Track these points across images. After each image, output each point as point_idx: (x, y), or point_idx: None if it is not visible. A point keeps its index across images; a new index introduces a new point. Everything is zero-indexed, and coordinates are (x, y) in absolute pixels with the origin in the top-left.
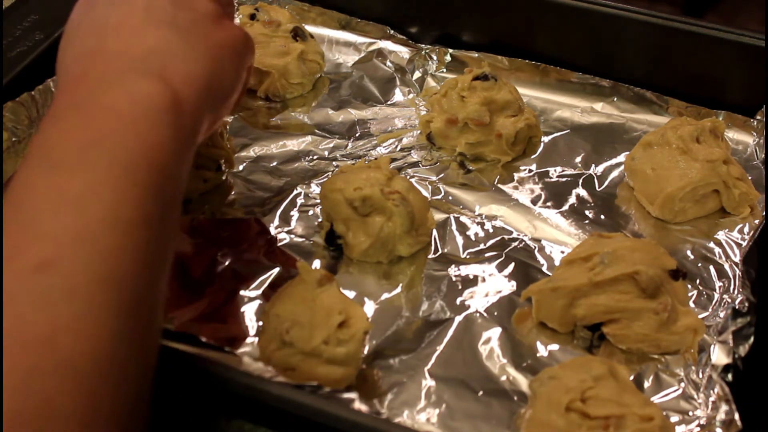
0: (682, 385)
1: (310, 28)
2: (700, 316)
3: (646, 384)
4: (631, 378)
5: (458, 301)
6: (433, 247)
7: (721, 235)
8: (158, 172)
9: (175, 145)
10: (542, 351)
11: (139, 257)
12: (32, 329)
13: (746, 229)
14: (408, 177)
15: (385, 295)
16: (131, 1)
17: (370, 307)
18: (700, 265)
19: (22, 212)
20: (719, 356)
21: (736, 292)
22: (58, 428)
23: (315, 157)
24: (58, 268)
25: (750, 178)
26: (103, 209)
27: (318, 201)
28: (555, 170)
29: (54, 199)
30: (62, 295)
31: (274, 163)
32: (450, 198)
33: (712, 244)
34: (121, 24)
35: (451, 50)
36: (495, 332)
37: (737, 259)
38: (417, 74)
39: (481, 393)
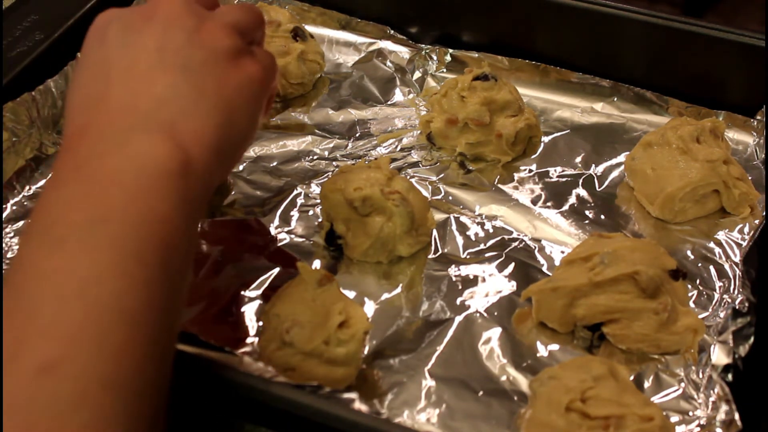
0: (682, 385)
1: (310, 28)
2: (700, 316)
3: (646, 384)
4: (631, 378)
5: (458, 301)
6: (433, 247)
7: (721, 235)
8: (166, 248)
9: (184, 212)
10: (542, 351)
11: (146, 349)
12: None
13: (746, 229)
14: (408, 177)
15: (385, 295)
16: (144, 41)
17: (370, 307)
18: (700, 265)
19: (24, 298)
20: (719, 356)
21: (736, 292)
22: None
23: (315, 157)
24: (63, 371)
25: (750, 178)
26: (109, 299)
27: (318, 201)
28: (555, 170)
29: (57, 285)
30: (69, 403)
31: (274, 163)
32: (450, 198)
33: (712, 244)
34: (130, 68)
35: (451, 50)
36: (495, 332)
37: (737, 259)
38: (417, 74)
39: (481, 393)
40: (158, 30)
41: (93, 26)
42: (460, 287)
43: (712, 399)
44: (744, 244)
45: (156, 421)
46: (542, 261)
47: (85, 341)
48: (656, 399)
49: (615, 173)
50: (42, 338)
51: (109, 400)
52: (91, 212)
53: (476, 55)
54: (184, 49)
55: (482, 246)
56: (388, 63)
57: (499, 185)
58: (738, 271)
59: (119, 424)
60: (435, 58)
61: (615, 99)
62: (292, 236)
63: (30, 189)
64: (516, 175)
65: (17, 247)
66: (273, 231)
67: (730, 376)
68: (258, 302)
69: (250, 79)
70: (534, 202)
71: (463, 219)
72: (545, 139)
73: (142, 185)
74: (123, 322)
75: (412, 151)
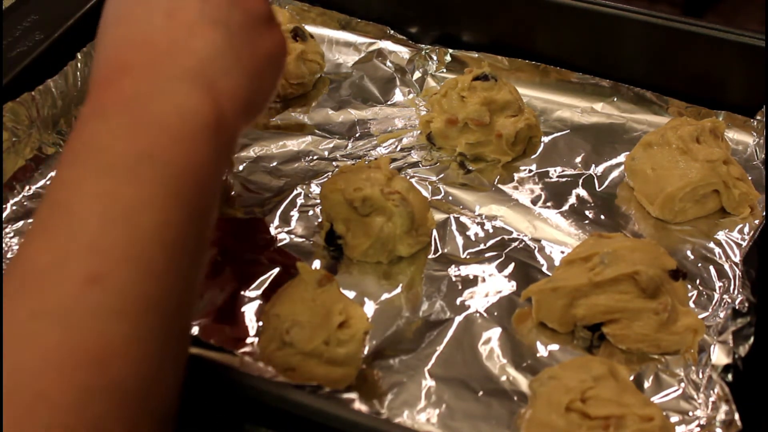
0: (682, 385)
1: (310, 28)
2: (700, 316)
3: (646, 384)
4: (631, 378)
5: (458, 301)
6: (433, 247)
7: (721, 235)
8: (201, 194)
9: (216, 163)
10: (542, 351)
11: (181, 284)
12: (84, 348)
13: (746, 229)
14: (408, 177)
15: (385, 295)
16: None
17: (370, 307)
18: (700, 265)
19: (69, 215)
20: (719, 356)
21: (736, 292)
22: None
23: (315, 157)
24: (108, 284)
25: (750, 178)
26: (151, 228)
27: (318, 201)
28: (555, 170)
29: (104, 208)
30: (112, 315)
31: (274, 163)
32: (450, 198)
33: (712, 244)
34: (172, 14)
35: (451, 50)
36: (495, 332)
37: (737, 259)
38: (417, 74)
39: (481, 393)
40: None
41: None
42: (460, 287)
43: (712, 399)
44: (744, 244)
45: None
46: (542, 261)
47: (128, 261)
48: (656, 399)
49: (615, 173)
50: (89, 253)
51: (150, 317)
52: (139, 147)
53: (476, 55)
54: (225, 7)
55: (482, 246)
56: (388, 63)
57: (499, 185)
58: (738, 271)
59: (157, 341)
60: (435, 58)
61: (615, 99)
62: (292, 236)
63: (30, 189)
64: (516, 175)
65: (16, 247)
66: (273, 231)
67: (730, 376)
68: (258, 302)
69: (277, 47)
70: (534, 202)
71: (463, 219)
72: (545, 139)
73: (185, 132)
74: (164, 252)
75: (412, 151)
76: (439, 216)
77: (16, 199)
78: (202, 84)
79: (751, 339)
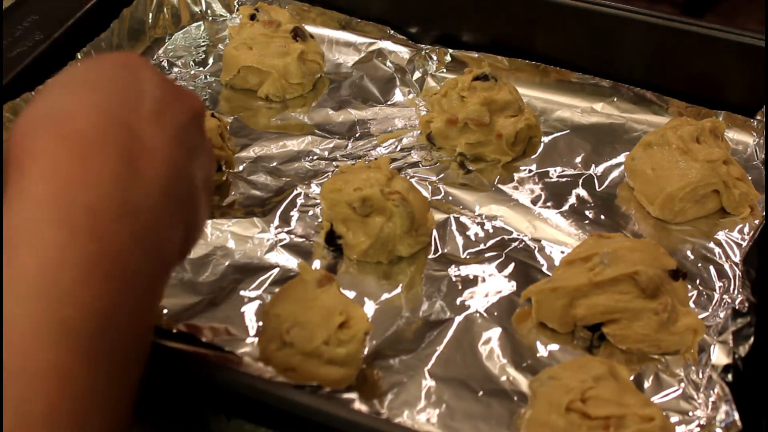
0: (682, 385)
1: (310, 28)
2: (700, 316)
3: (646, 384)
4: (631, 378)
5: (458, 301)
6: (433, 247)
7: (721, 235)
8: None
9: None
10: (542, 351)
11: None
12: None
13: (746, 229)
14: (408, 177)
15: (385, 295)
16: (166, 122)
17: (370, 307)
18: (700, 265)
19: None
20: (719, 356)
21: (736, 292)
22: None
23: (315, 157)
24: None
25: (750, 178)
26: None
27: (318, 201)
28: (555, 170)
29: None
30: None
31: (274, 163)
32: (450, 198)
33: (712, 244)
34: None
35: (451, 50)
36: (495, 332)
37: (737, 259)
38: (417, 74)
39: (481, 393)
40: (176, 124)
41: (126, 56)
42: (460, 287)
43: (712, 399)
44: (744, 244)
45: None
46: (542, 261)
47: None
48: (656, 399)
49: (615, 173)
50: None
51: None
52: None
53: (476, 55)
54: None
55: (482, 246)
56: (388, 63)
57: (499, 185)
58: (738, 271)
59: None
60: (435, 58)
61: (615, 99)
62: (292, 236)
63: None
64: (516, 175)
65: None
66: (273, 231)
67: (730, 376)
68: (258, 302)
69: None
70: (534, 202)
71: (463, 219)
72: (545, 139)
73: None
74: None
75: (412, 151)
76: (439, 216)
77: None
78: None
79: (751, 339)
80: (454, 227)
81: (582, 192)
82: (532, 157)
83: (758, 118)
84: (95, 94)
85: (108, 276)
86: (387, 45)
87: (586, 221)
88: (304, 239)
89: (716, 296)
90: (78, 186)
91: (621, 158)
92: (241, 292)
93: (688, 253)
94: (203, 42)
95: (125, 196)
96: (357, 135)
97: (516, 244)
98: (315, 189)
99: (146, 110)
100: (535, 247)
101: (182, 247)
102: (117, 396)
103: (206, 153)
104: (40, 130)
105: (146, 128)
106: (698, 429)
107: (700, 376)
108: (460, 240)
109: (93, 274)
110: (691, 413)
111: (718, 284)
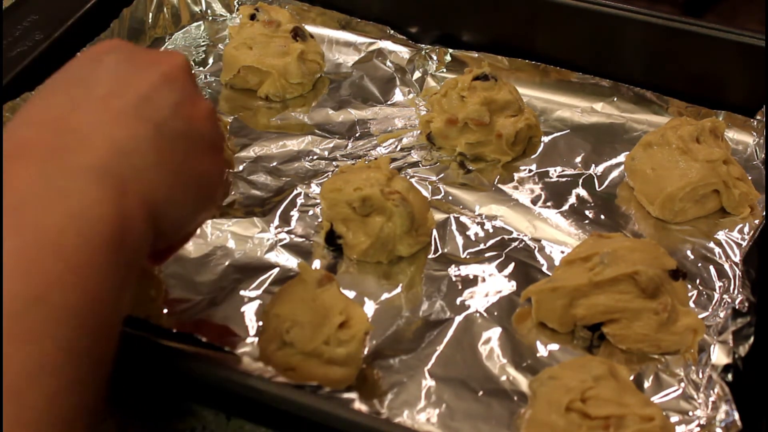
0: (682, 385)
1: (310, 28)
2: (700, 316)
3: (646, 384)
4: (631, 378)
5: (458, 301)
6: (433, 247)
7: (721, 235)
8: (96, 337)
9: (119, 289)
10: (542, 351)
11: None
12: None
13: (746, 229)
14: (408, 177)
15: (385, 295)
16: (135, 81)
17: (370, 307)
18: (700, 265)
19: None
20: (719, 356)
21: (736, 292)
22: None
23: (315, 157)
24: None
25: (750, 178)
26: (42, 402)
27: (318, 201)
28: (555, 170)
29: None
30: None
31: (274, 163)
32: (450, 198)
33: (712, 244)
34: (107, 98)
35: (451, 50)
36: (495, 332)
37: (737, 259)
38: (417, 74)
39: (481, 393)
40: (154, 79)
41: (93, 47)
42: (460, 287)
43: (712, 399)
44: (744, 244)
45: None
46: (542, 261)
47: None
48: (656, 399)
49: (615, 173)
50: None
51: None
52: (28, 286)
53: (476, 55)
54: (165, 110)
55: (482, 246)
56: (388, 63)
57: (499, 185)
58: (738, 271)
59: None
60: (435, 58)
61: (615, 99)
62: (292, 236)
63: None
64: (516, 175)
65: None
66: (273, 231)
67: (730, 376)
68: (258, 302)
69: (213, 172)
70: (534, 202)
71: (463, 219)
72: (545, 139)
73: (81, 256)
74: (54, 424)
75: (412, 151)
76: (439, 216)
77: None
78: (110, 181)
79: (751, 339)
80: (454, 227)
81: (582, 192)
82: (532, 157)
83: (758, 118)
84: (45, 99)
85: (40, 269)
86: (387, 45)
87: (586, 221)
88: (304, 239)
89: (716, 296)
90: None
91: (621, 158)
92: (241, 292)
93: (688, 253)
94: (203, 42)
95: (51, 183)
96: (357, 135)
97: (516, 243)
98: (315, 189)
99: (92, 100)
100: (535, 247)
101: (176, 223)
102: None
103: (196, 105)
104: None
105: (85, 115)
106: (698, 429)
107: (700, 376)
108: (460, 240)
109: (26, 266)
110: (691, 413)
111: (718, 284)
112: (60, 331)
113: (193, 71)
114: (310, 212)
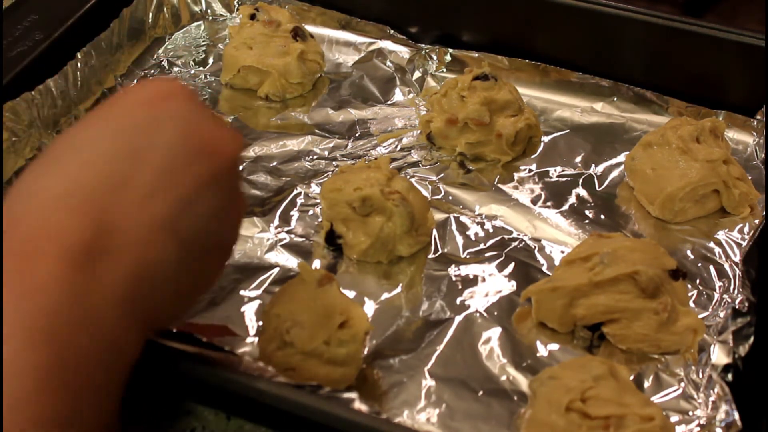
0: (682, 385)
1: (310, 28)
2: (700, 316)
3: (646, 384)
4: (631, 378)
5: (458, 301)
6: (433, 247)
7: (721, 235)
8: None
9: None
10: (542, 351)
11: None
12: None
13: (746, 229)
14: (408, 177)
15: (385, 295)
16: (179, 182)
17: (370, 307)
18: (700, 265)
19: None
20: (719, 356)
21: (736, 292)
22: None
23: (315, 157)
24: None
25: (750, 178)
26: None
27: (318, 201)
28: (555, 170)
29: None
30: None
31: (274, 163)
32: (450, 198)
33: (712, 244)
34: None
35: (451, 50)
36: (495, 332)
37: (737, 259)
38: (417, 74)
39: (481, 393)
40: (201, 174)
41: (151, 86)
42: (460, 287)
43: (712, 399)
44: (744, 244)
45: None
46: (542, 261)
47: None
48: (656, 399)
49: (615, 173)
50: None
51: None
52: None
53: (476, 55)
54: (202, 224)
55: (482, 246)
56: (388, 63)
57: (499, 185)
58: (738, 271)
59: None
60: (435, 58)
61: (615, 99)
62: (292, 236)
63: None
64: (516, 175)
65: None
66: (273, 231)
67: (730, 376)
68: (258, 302)
69: (219, 274)
70: (534, 201)
71: (463, 219)
72: (545, 139)
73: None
74: None
75: (412, 151)
76: (439, 216)
77: None
78: (130, 308)
79: (751, 339)
80: (454, 227)
81: (582, 192)
82: (532, 156)
83: (758, 118)
84: (79, 170)
85: (63, 385)
86: (387, 45)
87: (586, 221)
88: (304, 239)
89: (716, 296)
90: (31, 294)
91: (621, 158)
92: (241, 292)
93: (688, 252)
94: (203, 42)
95: (80, 302)
96: (357, 135)
97: (516, 243)
98: (315, 189)
99: (135, 189)
100: (535, 247)
101: (174, 313)
102: None
103: (233, 209)
104: (6, 220)
105: (123, 218)
106: (698, 429)
107: (700, 375)
108: (460, 240)
109: (49, 383)
110: (691, 413)
111: (718, 284)
112: None
113: (242, 153)
114: (310, 212)
